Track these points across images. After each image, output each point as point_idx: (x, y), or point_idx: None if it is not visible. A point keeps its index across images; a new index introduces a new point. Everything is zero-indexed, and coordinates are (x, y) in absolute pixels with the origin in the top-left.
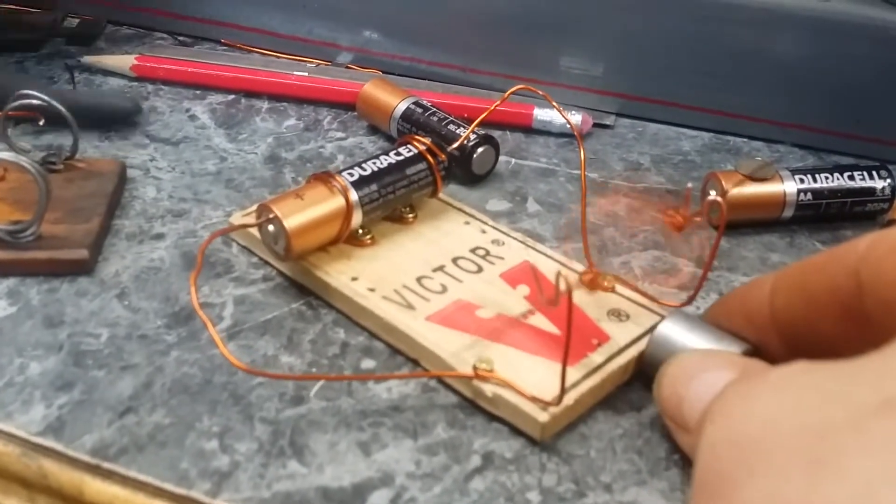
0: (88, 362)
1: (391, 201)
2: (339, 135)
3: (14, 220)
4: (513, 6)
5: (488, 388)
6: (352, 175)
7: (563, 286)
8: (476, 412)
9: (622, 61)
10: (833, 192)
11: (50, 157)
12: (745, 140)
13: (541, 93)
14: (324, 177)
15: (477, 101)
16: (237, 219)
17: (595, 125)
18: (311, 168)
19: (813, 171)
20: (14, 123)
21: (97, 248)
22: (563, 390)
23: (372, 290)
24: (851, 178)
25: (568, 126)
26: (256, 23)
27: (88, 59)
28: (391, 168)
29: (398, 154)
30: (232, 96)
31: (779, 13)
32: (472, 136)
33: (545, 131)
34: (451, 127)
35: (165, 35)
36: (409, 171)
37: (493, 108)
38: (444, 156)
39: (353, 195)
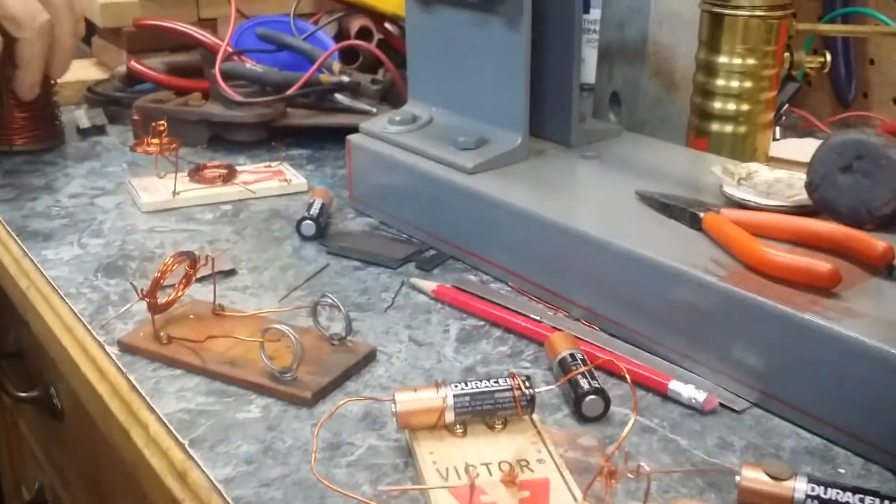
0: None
1: (479, 412)
2: (525, 364)
3: (285, 367)
4: (713, 306)
5: None
6: (457, 386)
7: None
8: None
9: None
10: None
11: (333, 337)
12: (847, 454)
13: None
14: (441, 383)
15: (627, 363)
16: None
17: (723, 406)
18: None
19: (829, 484)
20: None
21: (321, 394)
22: None
23: (434, 462)
24: (862, 501)
25: (693, 400)
26: (532, 277)
27: (412, 281)
28: (486, 391)
29: (496, 383)
30: (482, 323)
31: None
32: (588, 385)
33: (677, 401)
34: (580, 376)
35: (476, 271)
36: (497, 396)
37: (568, 377)
38: (528, 391)
39: (450, 399)
